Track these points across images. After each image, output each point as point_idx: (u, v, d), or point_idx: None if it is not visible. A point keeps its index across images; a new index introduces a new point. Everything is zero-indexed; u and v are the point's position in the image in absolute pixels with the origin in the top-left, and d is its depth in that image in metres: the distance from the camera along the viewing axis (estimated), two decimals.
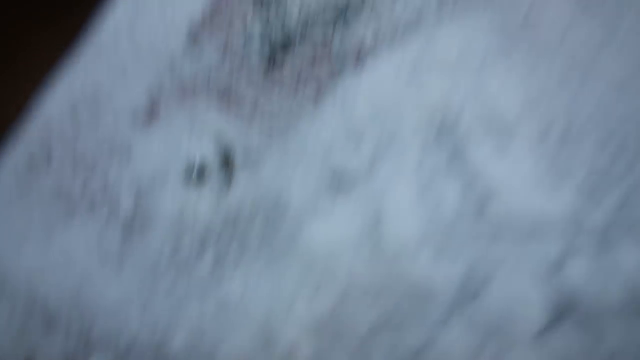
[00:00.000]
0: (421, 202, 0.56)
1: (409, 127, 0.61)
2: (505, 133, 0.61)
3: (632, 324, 0.51)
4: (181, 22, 0.81)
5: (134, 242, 0.66)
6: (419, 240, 0.55)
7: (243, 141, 0.67)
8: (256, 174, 0.64)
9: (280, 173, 0.63)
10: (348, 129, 0.63)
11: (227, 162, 0.64)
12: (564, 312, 0.54)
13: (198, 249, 0.64)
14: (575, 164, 0.58)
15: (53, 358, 0.64)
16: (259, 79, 0.74)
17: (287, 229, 0.59)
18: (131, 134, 0.72)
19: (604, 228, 0.57)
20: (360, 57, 0.76)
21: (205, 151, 0.67)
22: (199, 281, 0.63)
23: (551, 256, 0.56)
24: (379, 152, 0.60)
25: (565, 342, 0.53)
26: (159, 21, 0.80)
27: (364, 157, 0.60)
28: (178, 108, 0.73)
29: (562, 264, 0.56)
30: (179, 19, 0.81)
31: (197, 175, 0.66)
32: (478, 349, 0.55)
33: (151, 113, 0.72)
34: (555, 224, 0.56)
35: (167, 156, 0.69)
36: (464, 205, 0.55)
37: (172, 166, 0.68)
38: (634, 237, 0.56)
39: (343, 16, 0.79)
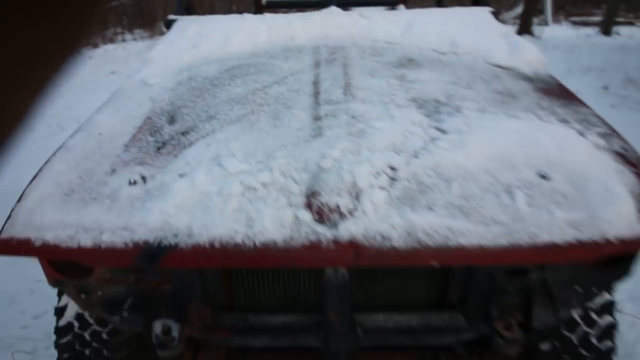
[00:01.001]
0: None
1: None
2: None
3: None
4: (123, 136, 1.91)
5: None
6: None
7: (150, 171, 1.74)
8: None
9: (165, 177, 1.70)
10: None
11: (143, 179, 1.77)
12: None
13: None
14: None
15: None
16: (155, 152, 1.84)
17: None
18: None
19: None
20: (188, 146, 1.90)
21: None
22: None
23: None
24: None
25: None
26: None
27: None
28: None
29: None
30: (127, 132, 1.87)
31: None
32: None
33: None
34: None
35: None
36: None
37: None
38: None
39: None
